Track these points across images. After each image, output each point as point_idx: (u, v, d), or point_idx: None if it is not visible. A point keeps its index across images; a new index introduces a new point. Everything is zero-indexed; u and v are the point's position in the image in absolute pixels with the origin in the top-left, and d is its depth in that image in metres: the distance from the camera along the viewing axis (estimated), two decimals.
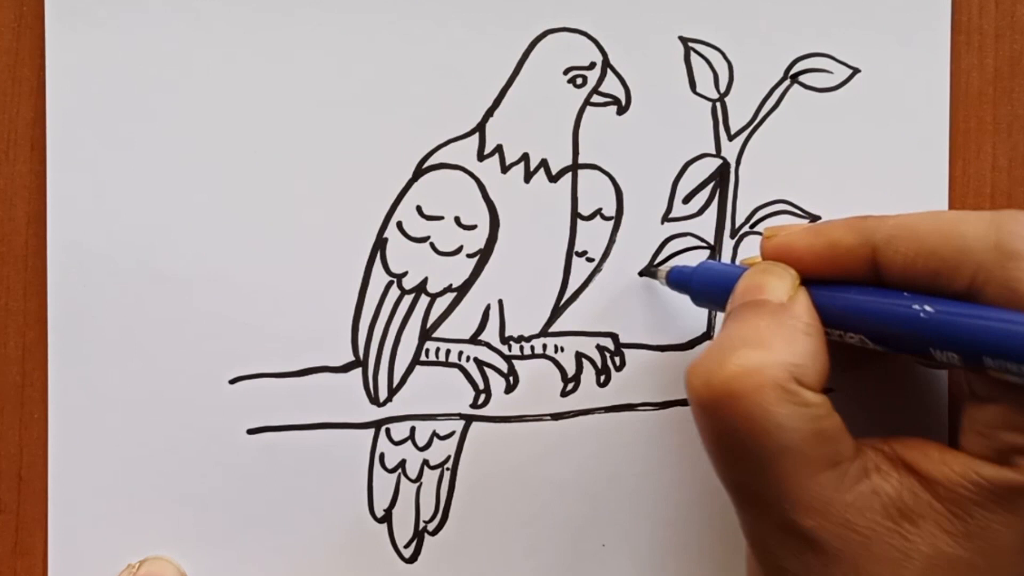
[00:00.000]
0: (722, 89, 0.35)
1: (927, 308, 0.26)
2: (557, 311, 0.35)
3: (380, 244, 0.35)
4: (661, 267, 0.35)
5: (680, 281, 0.33)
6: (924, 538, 0.25)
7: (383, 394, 0.35)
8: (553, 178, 0.35)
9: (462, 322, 0.35)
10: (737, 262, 0.35)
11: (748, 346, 0.26)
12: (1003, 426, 0.26)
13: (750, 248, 0.35)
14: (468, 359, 0.35)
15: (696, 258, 0.35)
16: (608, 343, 0.35)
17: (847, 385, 0.29)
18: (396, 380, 0.35)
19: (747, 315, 0.28)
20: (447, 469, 0.36)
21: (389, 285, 0.35)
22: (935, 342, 0.26)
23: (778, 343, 0.26)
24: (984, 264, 0.25)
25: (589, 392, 0.35)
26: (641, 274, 0.35)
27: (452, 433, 0.35)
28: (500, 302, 0.35)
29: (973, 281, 0.25)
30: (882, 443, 0.27)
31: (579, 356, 0.35)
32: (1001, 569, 0.25)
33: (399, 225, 0.35)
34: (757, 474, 0.26)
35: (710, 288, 0.32)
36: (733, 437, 0.26)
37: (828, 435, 0.26)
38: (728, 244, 0.35)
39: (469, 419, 0.35)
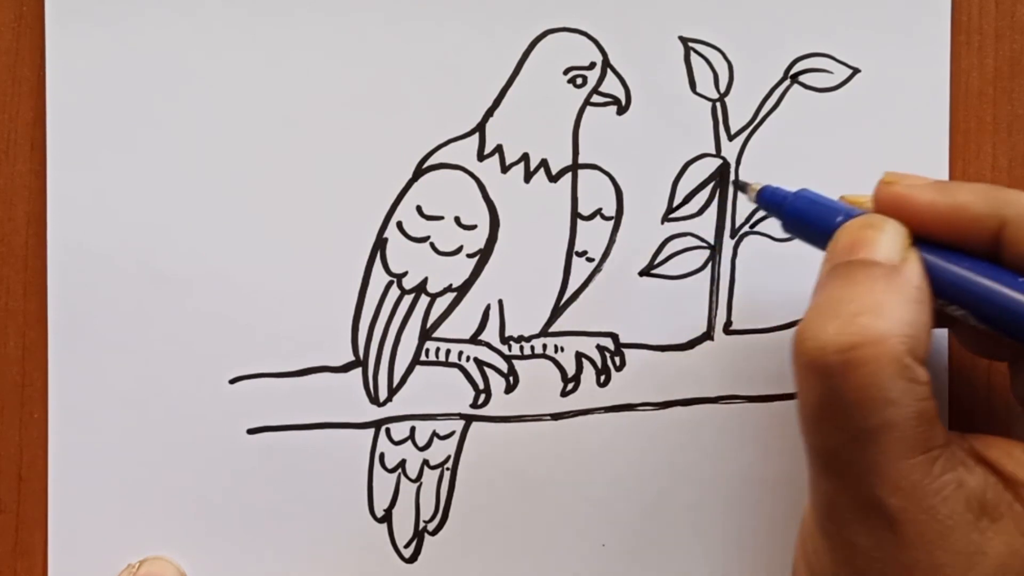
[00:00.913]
0: (722, 89, 0.35)
1: None
2: (557, 311, 0.35)
3: (380, 244, 0.35)
4: (752, 183, 0.32)
5: (774, 202, 0.31)
6: (1001, 536, 0.25)
7: (383, 394, 0.35)
8: (553, 178, 0.35)
9: (462, 322, 0.35)
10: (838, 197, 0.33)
11: (867, 313, 0.25)
12: None
13: (750, 247, 0.35)
14: (468, 359, 0.35)
15: (696, 258, 0.35)
16: (608, 343, 0.35)
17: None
18: (396, 380, 0.35)
19: (859, 276, 0.26)
20: (447, 469, 0.36)
21: (389, 285, 0.35)
22: None
23: (896, 312, 0.25)
24: None
25: (589, 392, 0.35)
26: (735, 184, 0.34)
27: (452, 433, 0.35)
28: (500, 302, 0.35)
29: None
30: (961, 439, 0.27)
31: (579, 356, 0.35)
32: None
33: (399, 225, 0.35)
34: (854, 446, 0.25)
35: (807, 218, 0.30)
36: (838, 405, 0.25)
37: (928, 417, 0.25)
38: (728, 244, 0.35)
39: (469, 419, 0.36)
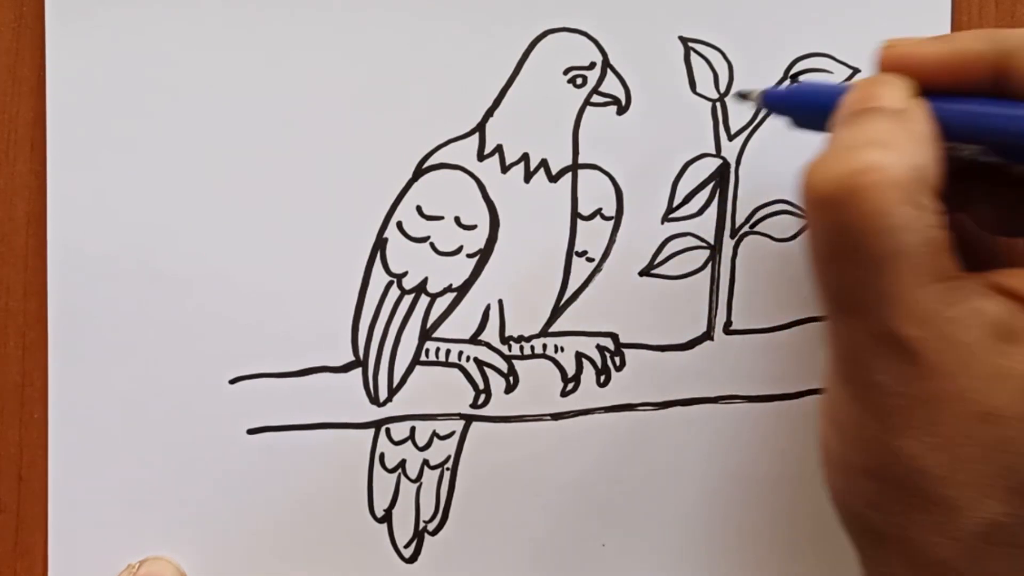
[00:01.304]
0: (722, 89, 0.35)
1: None
2: (557, 311, 0.35)
3: (380, 244, 0.35)
4: (752, 89, 0.33)
5: (778, 100, 0.31)
6: None
7: (383, 394, 0.35)
8: (553, 178, 0.35)
9: (462, 322, 0.35)
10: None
11: (872, 145, 0.25)
12: None
13: (750, 247, 0.35)
14: (468, 359, 0.35)
15: (696, 258, 0.35)
16: (608, 343, 0.35)
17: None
18: (396, 380, 0.35)
19: (864, 119, 0.27)
20: (447, 469, 0.36)
21: (389, 285, 0.35)
22: None
23: (901, 146, 0.25)
24: None
25: (589, 392, 0.35)
26: (738, 95, 0.34)
27: (452, 433, 0.35)
28: (500, 302, 0.35)
29: None
30: (983, 275, 0.27)
31: (579, 356, 0.35)
32: None
33: (399, 225, 0.35)
34: (865, 277, 0.25)
35: (814, 103, 0.30)
36: (847, 235, 0.25)
37: (940, 246, 0.25)
38: (728, 244, 0.35)
39: (469, 419, 0.36)
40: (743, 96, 0.33)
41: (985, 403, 0.25)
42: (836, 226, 0.25)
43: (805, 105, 0.30)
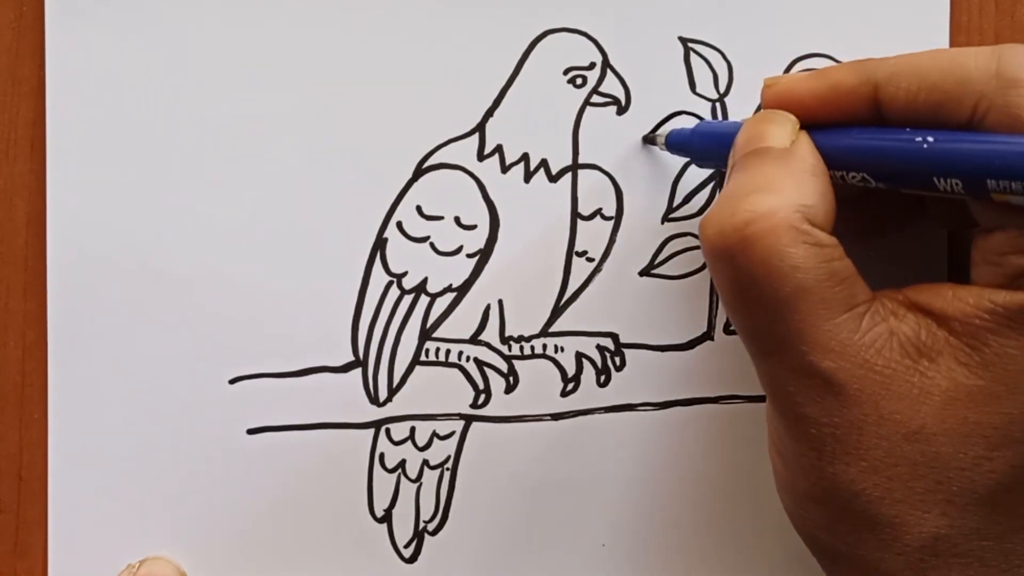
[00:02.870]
0: (722, 89, 0.35)
1: (929, 139, 0.26)
2: (557, 311, 0.35)
3: (380, 244, 0.35)
4: (659, 133, 0.35)
5: (679, 143, 0.33)
6: (942, 373, 0.26)
7: (383, 394, 0.35)
8: (553, 178, 0.35)
9: (462, 322, 0.35)
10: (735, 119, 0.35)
11: (758, 191, 0.26)
12: (1011, 251, 0.26)
13: None
14: (468, 359, 0.35)
15: (697, 258, 0.35)
16: (608, 343, 0.35)
17: (852, 254, 0.29)
18: (396, 380, 0.35)
19: (752, 163, 0.28)
20: (447, 469, 0.36)
21: (389, 285, 0.35)
22: (938, 170, 0.26)
23: (787, 185, 0.26)
24: (985, 93, 0.25)
25: (589, 392, 0.35)
26: (644, 140, 0.35)
27: (452, 433, 0.35)
28: (500, 302, 0.35)
29: (975, 112, 0.25)
30: (895, 293, 0.27)
31: (579, 356, 0.35)
32: (1019, 393, 0.25)
33: (399, 225, 0.35)
34: (774, 318, 0.26)
35: (710, 145, 0.32)
36: (749, 283, 0.26)
37: (843, 276, 0.26)
38: None
39: (469, 419, 0.36)
40: (649, 141, 0.35)
41: (909, 423, 0.26)
42: (736, 275, 0.26)
43: (704, 147, 0.32)
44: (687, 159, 0.35)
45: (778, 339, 0.26)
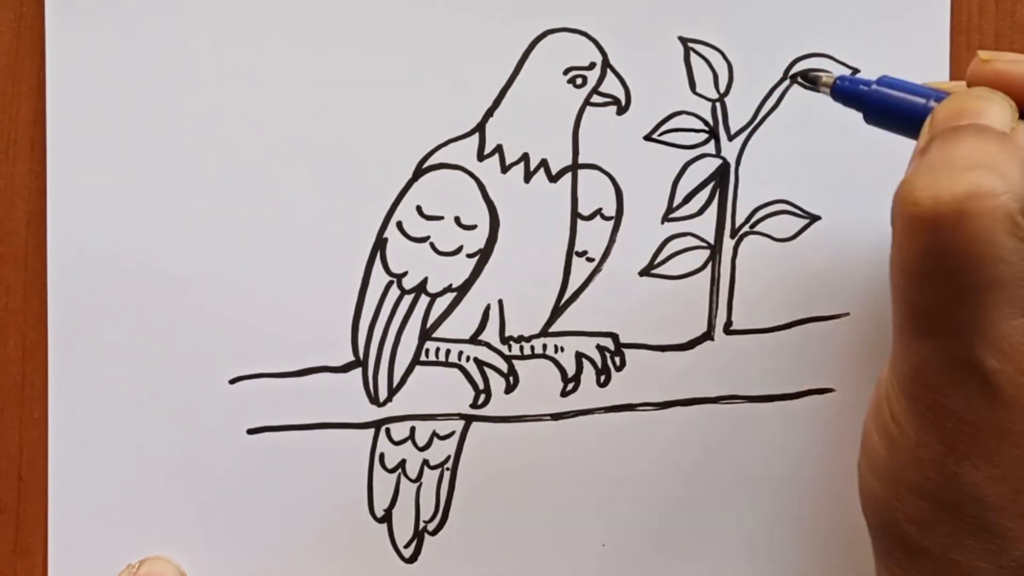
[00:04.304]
0: (722, 89, 0.35)
1: None
2: (557, 311, 0.35)
3: (380, 244, 0.35)
4: (823, 74, 0.32)
5: (852, 93, 0.30)
6: None
7: (383, 394, 0.35)
8: (553, 178, 0.35)
9: (462, 322, 0.35)
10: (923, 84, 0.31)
11: (982, 167, 0.24)
12: None
13: (750, 247, 0.35)
14: (468, 359, 0.35)
15: (696, 258, 0.35)
16: (608, 343, 0.35)
17: None
18: (396, 380, 0.35)
19: (970, 138, 0.25)
20: (447, 469, 0.36)
21: (389, 285, 0.35)
22: None
23: (1012, 171, 0.25)
24: None
25: (589, 392, 0.35)
26: (795, 77, 0.33)
27: (452, 433, 0.35)
28: (500, 302, 0.35)
29: None
30: None
31: (579, 356, 0.35)
32: None
33: (399, 225, 0.35)
34: (957, 302, 0.25)
35: (894, 102, 0.29)
36: (946, 258, 0.24)
37: None
38: (728, 244, 0.35)
39: (469, 419, 0.36)
40: (809, 80, 0.32)
41: None
42: (935, 247, 0.25)
43: (883, 102, 0.29)
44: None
45: (950, 323, 0.25)
